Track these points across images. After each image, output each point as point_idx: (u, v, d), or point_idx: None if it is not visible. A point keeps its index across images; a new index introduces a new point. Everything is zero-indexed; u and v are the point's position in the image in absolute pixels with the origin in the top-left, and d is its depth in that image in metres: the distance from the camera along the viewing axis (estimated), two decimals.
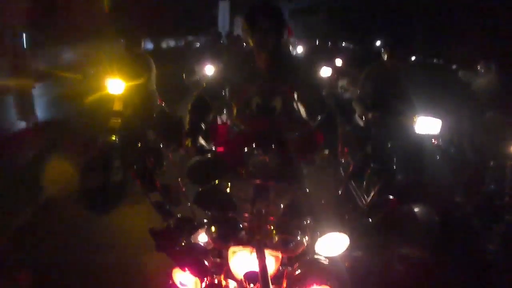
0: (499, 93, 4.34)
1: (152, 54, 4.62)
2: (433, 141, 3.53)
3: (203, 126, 2.10)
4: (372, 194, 1.72)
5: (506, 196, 3.12)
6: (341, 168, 2.52)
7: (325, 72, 6.87)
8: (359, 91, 3.74)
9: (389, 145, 3.32)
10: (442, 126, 3.18)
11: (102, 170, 3.71)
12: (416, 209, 2.82)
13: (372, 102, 3.55)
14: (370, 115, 3.40)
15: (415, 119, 3.17)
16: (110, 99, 4.02)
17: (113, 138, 3.84)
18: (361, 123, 3.77)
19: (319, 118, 2.10)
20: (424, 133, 3.17)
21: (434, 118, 3.16)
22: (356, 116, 3.93)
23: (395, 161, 3.19)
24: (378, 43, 11.84)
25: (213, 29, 9.49)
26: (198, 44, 11.06)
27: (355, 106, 3.72)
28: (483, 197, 3.29)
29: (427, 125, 3.15)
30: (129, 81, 3.93)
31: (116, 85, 3.91)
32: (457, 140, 3.73)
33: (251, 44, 2.14)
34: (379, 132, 3.41)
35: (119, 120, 3.94)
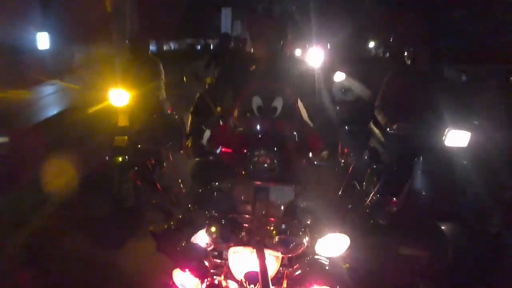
0: None
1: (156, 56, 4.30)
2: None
3: (204, 127, 2.11)
4: (372, 194, 1.72)
5: None
6: (341, 169, 2.52)
7: (339, 77, 6.90)
8: (380, 100, 3.39)
9: (416, 160, 3.11)
10: (471, 140, 3.01)
11: (110, 195, 3.09)
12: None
13: (396, 111, 3.22)
14: (395, 126, 3.08)
15: (445, 132, 2.98)
16: (115, 112, 3.56)
17: (120, 159, 3.15)
18: (381, 135, 3.44)
19: (320, 119, 2.10)
20: (453, 146, 3.01)
21: (464, 131, 2.99)
22: (371, 124, 3.56)
23: (420, 175, 3.04)
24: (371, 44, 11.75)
25: (223, 32, 9.31)
26: (199, 47, 11.09)
27: (377, 115, 3.36)
28: None
29: (457, 139, 2.99)
30: (136, 89, 3.50)
31: (120, 97, 3.41)
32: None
33: (253, 45, 2.15)
34: (403, 145, 3.18)
35: (125, 138, 3.35)
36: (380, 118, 3.30)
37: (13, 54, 7.08)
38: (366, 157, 3.43)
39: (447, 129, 2.97)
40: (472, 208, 3.13)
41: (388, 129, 3.13)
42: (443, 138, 2.98)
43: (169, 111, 3.67)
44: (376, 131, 3.49)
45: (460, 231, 2.90)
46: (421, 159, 3.08)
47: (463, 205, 3.06)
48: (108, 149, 3.29)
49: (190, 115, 2.21)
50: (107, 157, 3.15)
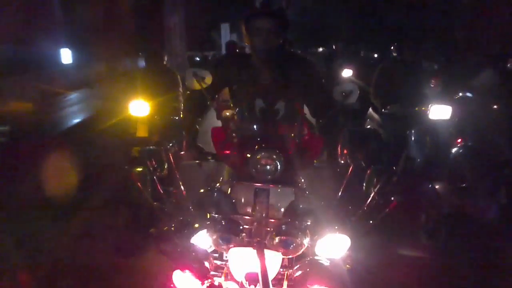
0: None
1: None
2: (458, 140, 3.88)
3: (197, 126, 2.09)
4: (372, 195, 1.72)
5: None
6: (341, 169, 2.52)
7: (347, 73, 7.43)
8: (373, 87, 4.09)
9: (408, 132, 3.77)
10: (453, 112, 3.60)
11: (129, 207, 3.00)
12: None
13: (388, 96, 3.91)
14: (389, 108, 3.79)
15: (429, 108, 3.56)
16: (133, 123, 3.59)
17: (139, 169, 2.98)
18: (377, 118, 4.21)
19: (323, 120, 2.10)
20: (437, 119, 3.58)
21: (446, 105, 3.57)
22: (371, 111, 4.42)
23: (413, 144, 3.74)
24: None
25: (229, 40, 9.69)
26: (198, 58, 11.43)
27: (373, 100, 4.12)
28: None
29: (439, 112, 3.57)
30: (154, 100, 3.54)
31: (139, 107, 3.46)
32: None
33: (250, 43, 2.13)
34: (397, 122, 3.84)
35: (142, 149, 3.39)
36: (375, 102, 4.11)
37: (39, 68, 7.82)
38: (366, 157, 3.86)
39: (430, 105, 3.58)
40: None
41: (383, 110, 3.89)
42: (428, 112, 3.58)
43: None
44: (375, 115, 4.31)
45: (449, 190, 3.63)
46: (412, 132, 3.77)
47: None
48: (125, 159, 3.24)
49: (183, 113, 2.19)
50: (126, 167, 3.05)
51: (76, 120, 7.30)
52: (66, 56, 10.85)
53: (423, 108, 3.66)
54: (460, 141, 3.90)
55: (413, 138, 3.78)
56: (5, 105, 6.19)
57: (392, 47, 4.23)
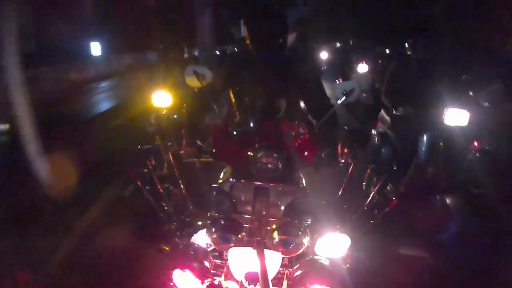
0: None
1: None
2: (475, 143, 3.62)
3: (199, 126, 2.09)
4: (372, 194, 1.72)
5: None
6: (341, 169, 2.52)
7: (362, 68, 7.45)
8: (385, 86, 3.80)
9: (419, 137, 3.45)
10: (471, 118, 3.31)
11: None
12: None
13: (400, 96, 3.62)
14: (400, 110, 3.50)
15: (444, 111, 3.27)
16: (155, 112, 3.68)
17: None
18: (388, 119, 3.88)
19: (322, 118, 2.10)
20: (453, 125, 3.28)
21: (463, 110, 3.25)
22: (382, 112, 4.06)
23: (425, 151, 3.41)
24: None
25: (241, 36, 10.06)
26: (218, 52, 12.18)
27: (384, 100, 3.79)
28: None
29: (456, 117, 3.26)
30: (174, 92, 3.69)
31: (162, 98, 3.63)
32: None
33: (252, 43, 2.13)
34: (408, 126, 3.52)
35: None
36: (386, 102, 3.75)
37: (71, 59, 8.86)
38: (374, 142, 3.82)
39: (445, 108, 3.26)
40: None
41: (394, 112, 3.55)
42: (443, 117, 3.27)
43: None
44: (386, 117, 3.93)
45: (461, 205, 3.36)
46: (424, 137, 3.41)
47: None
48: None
49: (185, 113, 2.19)
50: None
51: (103, 109, 7.93)
52: (95, 48, 12.16)
53: (437, 111, 3.36)
54: (477, 145, 3.63)
55: (424, 144, 3.46)
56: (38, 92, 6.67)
57: (406, 44, 3.87)
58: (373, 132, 4.02)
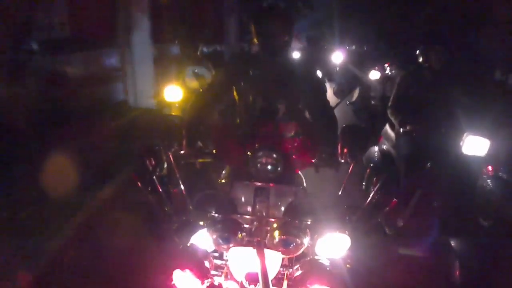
0: None
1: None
2: (489, 168, 3.15)
3: (201, 128, 2.10)
4: (372, 194, 1.72)
5: None
6: (341, 169, 2.51)
7: (374, 75, 7.27)
8: (393, 99, 3.30)
9: (429, 165, 2.89)
10: (491, 147, 2.85)
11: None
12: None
13: (409, 113, 3.13)
14: (408, 127, 2.98)
15: (464, 138, 2.75)
16: (168, 107, 3.88)
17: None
18: (393, 137, 3.42)
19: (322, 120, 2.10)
20: (471, 154, 2.80)
21: (483, 138, 2.78)
22: (387, 127, 3.61)
23: (433, 181, 2.87)
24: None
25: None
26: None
27: (390, 116, 3.30)
28: None
29: (475, 146, 2.77)
30: (187, 86, 3.79)
31: (173, 93, 3.76)
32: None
33: (257, 42, 2.14)
34: (416, 147, 3.05)
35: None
36: (393, 118, 3.26)
37: (99, 48, 9.64)
38: (376, 160, 3.37)
39: (465, 134, 2.75)
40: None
41: (401, 129, 3.02)
42: (461, 144, 2.78)
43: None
44: (391, 133, 3.48)
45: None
46: (434, 164, 2.87)
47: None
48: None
49: (187, 113, 2.20)
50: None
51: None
52: None
53: (453, 134, 2.83)
54: (491, 170, 3.13)
55: (433, 173, 2.87)
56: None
57: (417, 51, 3.27)
58: (375, 148, 3.60)
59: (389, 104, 3.31)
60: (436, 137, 2.94)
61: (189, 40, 4.71)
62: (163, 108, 4.10)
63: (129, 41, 9.12)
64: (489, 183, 3.09)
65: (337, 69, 10.59)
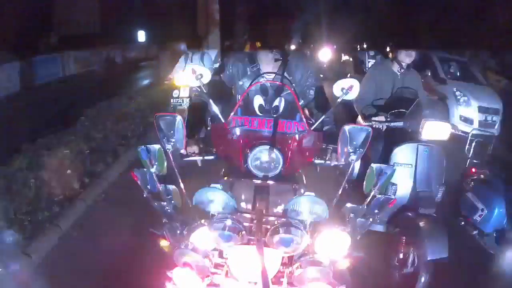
0: None
1: None
2: (472, 170, 3.32)
3: (202, 126, 2.11)
4: (372, 194, 1.72)
5: None
6: (341, 168, 2.51)
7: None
8: (359, 93, 3.43)
9: (393, 153, 2.97)
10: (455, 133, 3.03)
11: None
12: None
13: (373, 104, 3.29)
14: (373, 120, 3.09)
15: (422, 124, 2.85)
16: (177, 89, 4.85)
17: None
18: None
19: (321, 118, 2.10)
20: (431, 139, 2.89)
21: (443, 122, 2.86)
22: (360, 119, 3.52)
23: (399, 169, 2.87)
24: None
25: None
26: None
27: (356, 109, 3.40)
28: None
29: (435, 131, 2.86)
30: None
31: (182, 78, 4.86)
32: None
33: (257, 44, 2.15)
34: (382, 139, 3.13)
35: (185, 109, 4.55)
36: (358, 112, 3.36)
37: (122, 43, 12.92)
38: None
39: (423, 121, 2.85)
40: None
41: (367, 123, 3.09)
42: (420, 130, 2.86)
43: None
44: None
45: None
46: (400, 151, 2.95)
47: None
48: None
49: (188, 113, 2.20)
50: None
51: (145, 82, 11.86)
52: (141, 36, 15.44)
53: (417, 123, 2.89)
54: (474, 172, 3.30)
55: (398, 161, 2.93)
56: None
57: (387, 47, 3.58)
58: None
59: (355, 97, 3.36)
60: (400, 127, 3.03)
61: (194, 39, 6.00)
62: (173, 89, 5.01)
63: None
64: (470, 185, 3.25)
65: (325, 66, 10.78)
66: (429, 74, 6.69)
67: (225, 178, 1.93)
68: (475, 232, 3.23)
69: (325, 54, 11.15)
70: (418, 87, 3.39)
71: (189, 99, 4.80)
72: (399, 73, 3.36)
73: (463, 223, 3.35)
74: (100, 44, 12.15)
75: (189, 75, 2.02)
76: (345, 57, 10.22)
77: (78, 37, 11.58)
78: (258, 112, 2.02)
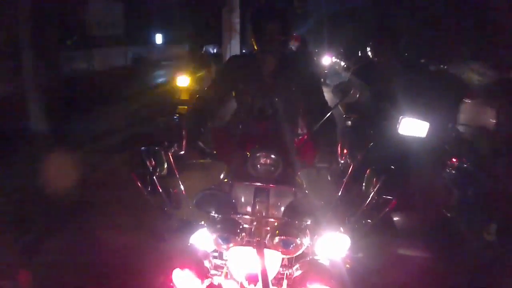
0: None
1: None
2: (453, 160, 3.39)
3: (202, 129, 2.11)
4: (371, 194, 1.72)
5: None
6: (340, 169, 2.51)
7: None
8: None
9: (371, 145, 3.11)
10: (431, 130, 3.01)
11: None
12: None
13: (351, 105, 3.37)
14: (351, 119, 3.19)
15: (399, 120, 2.95)
16: (178, 91, 5.42)
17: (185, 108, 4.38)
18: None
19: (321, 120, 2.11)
20: (408, 135, 2.97)
21: (421, 121, 2.96)
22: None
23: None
24: None
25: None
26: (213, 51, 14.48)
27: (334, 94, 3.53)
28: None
29: (412, 127, 2.96)
30: (193, 75, 5.13)
31: (183, 79, 5.24)
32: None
33: (255, 46, 2.15)
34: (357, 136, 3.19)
35: (185, 108, 4.52)
36: (342, 109, 3.33)
37: (143, 45, 15.67)
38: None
39: (400, 117, 2.93)
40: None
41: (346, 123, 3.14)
42: (397, 126, 2.94)
43: None
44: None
45: None
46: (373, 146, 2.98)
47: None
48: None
49: (188, 115, 2.21)
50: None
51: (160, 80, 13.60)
52: (159, 38, 19.02)
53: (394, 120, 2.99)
54: (455, 161, 3.38)
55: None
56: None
57: (368, 47, 3.47)
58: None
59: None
60: (380, 126, 3.10)
61: (194, 43, 5.98)
62: (175, 91, 5.54)
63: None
64: (452, 174, 3.34)
65: (326, 71, 11.07)
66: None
67: (225, 180, 1.94)
68: (452, 215, 3.36)
69: (326, 60, 11.60)
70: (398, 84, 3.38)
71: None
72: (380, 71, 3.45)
73: (444, 210, 3.46)
74: (124, 44, 14.85)
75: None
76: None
77: (105, 37, 13.53)
78: (258, 115, 2.02)
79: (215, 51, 13.62)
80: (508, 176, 3.11)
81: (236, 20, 13.48)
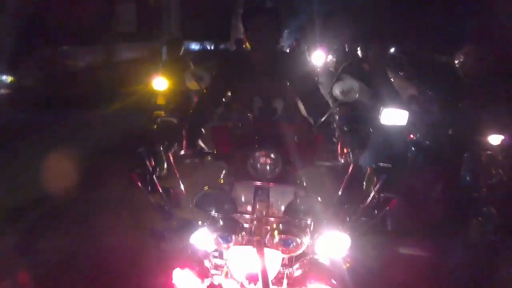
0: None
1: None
2: (411, 136, 3.86)
3: (203, 130, 2.12)
4: (372, 193, 1.72)
5: (482, 188, 3.19)
6: (341, 169, 2.52)
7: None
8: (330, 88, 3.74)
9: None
10: (411, 118, 3.32)
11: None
12: None
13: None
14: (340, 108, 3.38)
15: (380, 111, 3.22)
16: (155, 94, 4.91)
17: (155, 127, 4.31)
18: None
19: (321, 118, 2.11)
20: (389, 124, 3.24)
21: (400, 110, 3.23)
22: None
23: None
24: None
25: (236, 38, 12.19)
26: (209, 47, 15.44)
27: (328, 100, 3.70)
28: (460, 190, 3.35)
29: (393, 117, 3.23)
30: (170, 79, 4.63)
31: (160, 83, 4.67)
32: (433, 132, 3.83)
33: (248, 44, 2.16)
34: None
35: (162, 113, 4.54)
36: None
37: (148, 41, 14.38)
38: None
39: (381, 108, 3.22)
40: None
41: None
42: (379, 116, 3.21)
43: (195, 100, 4.57)
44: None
45: None
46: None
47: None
48: (149, 120, 4.55)
49: (189, 115, 2.22)
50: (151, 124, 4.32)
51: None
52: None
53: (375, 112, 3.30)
54: (412, 137, 3.84)
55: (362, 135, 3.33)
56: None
57: (358, 47, 3.92)
58: None
59: (328, 91, 3.79)
60: (363, 114, 3.38)
61: (174, 41, 5.42)
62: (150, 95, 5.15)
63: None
64: (412, 149, 3.77)
65: (318, 69, 10.95)
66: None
67: (226, 179, 1.94)
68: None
69: (318, 57, 11.44)
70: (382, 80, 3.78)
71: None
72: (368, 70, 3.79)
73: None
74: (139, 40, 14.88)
75: (189, 79, 2.05)
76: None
77: (119, 34, 13.57)
78: (257, 114, 2.02)
79: (212, 47, 13.57)
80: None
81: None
